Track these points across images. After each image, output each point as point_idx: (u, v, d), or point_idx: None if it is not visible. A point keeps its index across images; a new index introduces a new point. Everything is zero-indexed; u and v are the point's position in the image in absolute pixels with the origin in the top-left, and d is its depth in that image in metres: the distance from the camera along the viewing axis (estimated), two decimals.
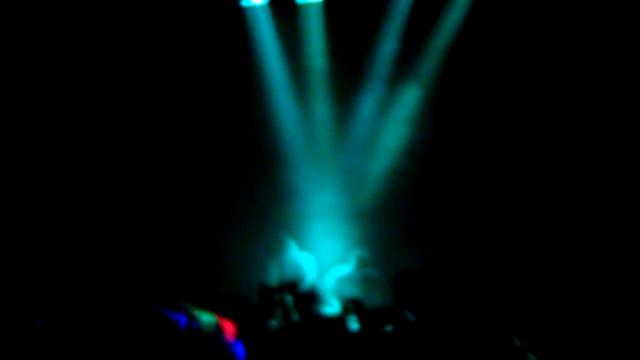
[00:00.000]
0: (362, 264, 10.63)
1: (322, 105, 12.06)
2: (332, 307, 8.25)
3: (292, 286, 7.61)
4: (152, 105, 11.94)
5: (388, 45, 11.71)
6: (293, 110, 12.06)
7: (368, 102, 11.92)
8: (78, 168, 11.72)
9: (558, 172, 11.30)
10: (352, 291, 10.16)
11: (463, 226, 11.52)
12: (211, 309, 6.70)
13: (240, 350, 6.32)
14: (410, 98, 11.83)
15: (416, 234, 11.52)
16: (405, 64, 11.73)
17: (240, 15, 11.87)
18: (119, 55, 11.75)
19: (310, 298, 7.62)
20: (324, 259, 11.02)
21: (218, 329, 6.28)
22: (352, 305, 7.47)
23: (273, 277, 10.66)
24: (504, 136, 11.53)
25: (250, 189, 11.91)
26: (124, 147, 11.93)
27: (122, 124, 11.88)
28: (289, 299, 7.45)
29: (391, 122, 11.91)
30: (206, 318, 6.29)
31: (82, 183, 11.72)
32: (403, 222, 11.61)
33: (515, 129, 11.47)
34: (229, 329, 6.43)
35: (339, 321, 7.15)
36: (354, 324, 7.33)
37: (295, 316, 7.39)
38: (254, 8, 11.83)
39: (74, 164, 11.71)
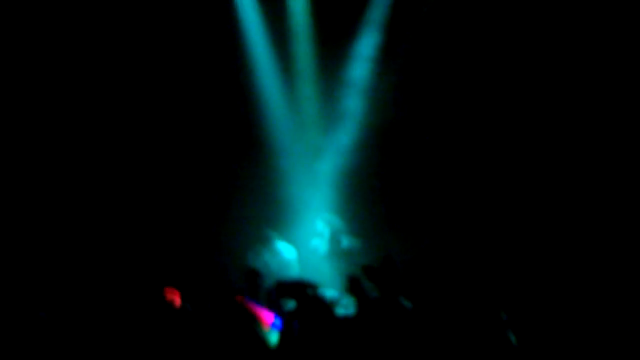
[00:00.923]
0: (330, 224, 10.61)
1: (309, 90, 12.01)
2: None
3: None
4: (139, 103, 11.81)
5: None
6: (281, 100, 11.99)
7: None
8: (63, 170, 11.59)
9: (537, 161, 11.37)
10: (337, 265, 10.17)
11: (446, 212, 11.54)
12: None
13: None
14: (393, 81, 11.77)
15: (398, 217, 11.50)
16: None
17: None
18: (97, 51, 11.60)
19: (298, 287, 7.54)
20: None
21: None
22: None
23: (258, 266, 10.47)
24: (489, 124, 11.57)
25: (237, 178, 11.90)
26: (110, 146, 11.79)
27: (104, 122, 11.74)
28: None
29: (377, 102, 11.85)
30: None
31: (71, 182, 11.63)
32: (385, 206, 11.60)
33: (502, 119, 11.51)
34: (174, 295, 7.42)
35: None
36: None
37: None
38: None
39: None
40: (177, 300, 7.65)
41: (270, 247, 10.58)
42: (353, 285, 7.67)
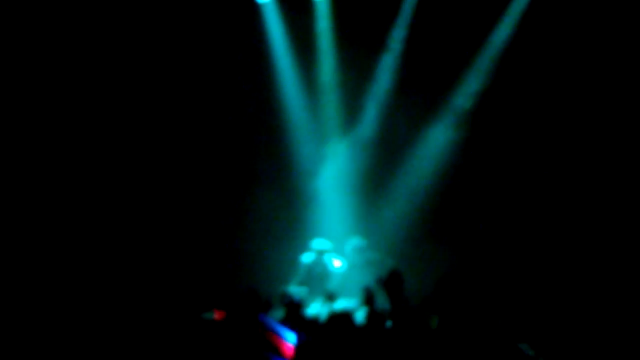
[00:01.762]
0: (360, 250, 10.91)
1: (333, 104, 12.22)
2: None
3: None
4: (164, 106, 12.02)
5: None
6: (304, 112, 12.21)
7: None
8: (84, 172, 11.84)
9: (581, 174, 11.46)
10: (360, 277, 10.32)
11: (483, 224, 11.77)
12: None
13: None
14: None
15: (439, 229, 11.76)
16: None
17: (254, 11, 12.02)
18: (123, 53, 11.82)
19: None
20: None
21: None
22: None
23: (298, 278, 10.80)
24: (528, 137, 11.70)
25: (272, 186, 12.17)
26: (136, 149, 12.02)
27: (131, 126, 11.96)
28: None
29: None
30: None
31: (91, 185, 11.86)
32: (427, 218, 11.82)
33: (540, 131, 11.63)
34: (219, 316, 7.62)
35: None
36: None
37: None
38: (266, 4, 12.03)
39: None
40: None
41: (320, 257, 10.79)
42: (367, 298, 8.02)
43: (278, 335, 7.07)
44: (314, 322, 8.07)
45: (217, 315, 7.85)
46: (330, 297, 8.95)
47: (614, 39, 11.17)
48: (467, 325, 7.11)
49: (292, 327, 7.35)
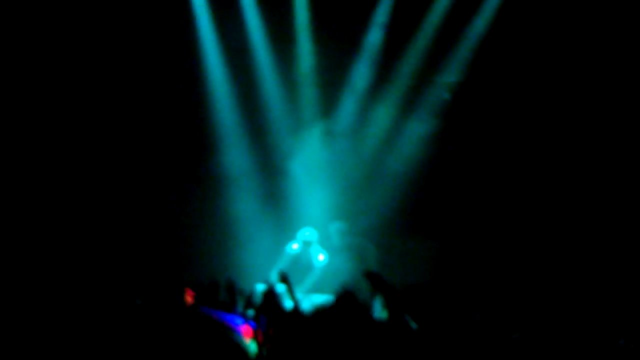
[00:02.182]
0: (342, 234, 11.00)
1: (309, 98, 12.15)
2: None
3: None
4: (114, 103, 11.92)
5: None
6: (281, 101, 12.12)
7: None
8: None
9: (564, 168, 11.49)
10: (344, 262, 10.55)
11: (466, 217, 11.72)
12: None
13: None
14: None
15: (421, 222, 11.77)
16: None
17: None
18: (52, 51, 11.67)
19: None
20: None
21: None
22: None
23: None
24: (512, 128, 11.70)
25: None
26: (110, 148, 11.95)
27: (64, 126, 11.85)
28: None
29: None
30: None
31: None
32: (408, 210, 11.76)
33: (524, 123, 11.64)
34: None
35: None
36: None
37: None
38: None
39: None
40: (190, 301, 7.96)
41: (307, 248, 10.71)
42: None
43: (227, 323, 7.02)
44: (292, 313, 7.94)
45: (189, 297, 7.86)
46: (283, 279, 8.76)
47: (595, 31, 11.19)
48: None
49: (270, 318, 7.26)
